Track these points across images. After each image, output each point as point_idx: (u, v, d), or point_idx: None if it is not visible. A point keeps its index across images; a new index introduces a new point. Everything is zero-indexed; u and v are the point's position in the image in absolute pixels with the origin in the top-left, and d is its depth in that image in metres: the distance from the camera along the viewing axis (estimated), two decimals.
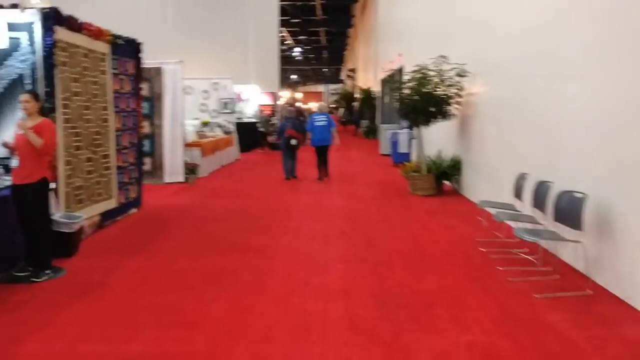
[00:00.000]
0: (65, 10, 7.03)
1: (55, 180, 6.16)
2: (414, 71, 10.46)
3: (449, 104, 10.21)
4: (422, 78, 10.25)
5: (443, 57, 10.23)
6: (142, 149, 9.31)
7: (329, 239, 7.00)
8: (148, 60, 12.05)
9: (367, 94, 29.73)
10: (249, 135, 20.33)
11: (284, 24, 43.00)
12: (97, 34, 7.31)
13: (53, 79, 6.14)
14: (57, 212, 6.17)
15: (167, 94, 12.01)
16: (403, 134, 15.25)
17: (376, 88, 28.92)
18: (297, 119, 15.39)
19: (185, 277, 5.48)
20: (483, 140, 9.26)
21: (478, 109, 9.57)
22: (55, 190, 6.18)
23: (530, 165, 6.78)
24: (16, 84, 6.09)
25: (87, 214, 7.05)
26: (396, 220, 8.20)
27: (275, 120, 23.15)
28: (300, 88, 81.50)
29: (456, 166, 10.59)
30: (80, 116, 6.89)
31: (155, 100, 11.92)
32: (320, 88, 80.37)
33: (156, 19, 24.75)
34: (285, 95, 52.21)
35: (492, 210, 6.41)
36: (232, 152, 17.10)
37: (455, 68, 9.98)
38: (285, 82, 74.01)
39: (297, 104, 37.70)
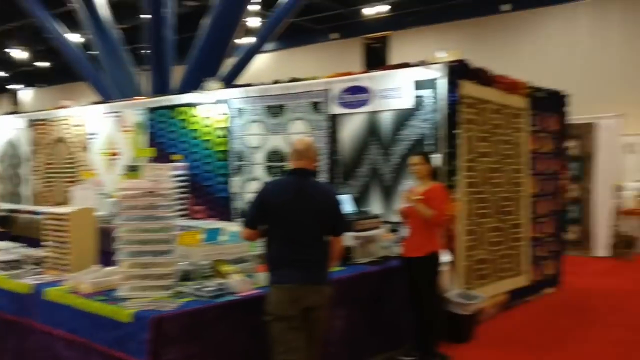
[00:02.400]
0: (495, 69, 6.42)
1: (452, 252, 5.43)
2: None
3: None
4: None
5: None
6: (564, 218, 7.94)
7: None
8: (579, 115, 10.70)
9: None
10: None
11: None
12: (511, 87, 6.46)
13: (455, 139, 5.49)
14: (453, 290, 5.39)
15: (600, 152, 10.29)
16: None
17: None
18: None
19: None
20: None
21: None
22: (453, 263, 5.43)
23: None
24: (418, 144, 5.66)
25: (491, 293, 6.10)
26: None
27: None
28: None
29: None
30: (486, 180, 6.07)
31: (585, 160, 10.35)
32: None
33: (594, 67, 22.76)
34: None
35: None
36: None
37: None
38: None
39: None
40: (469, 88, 5.70)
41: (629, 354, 5.01)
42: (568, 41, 24.02)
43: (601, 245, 10.03)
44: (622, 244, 10.05)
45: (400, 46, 25.28)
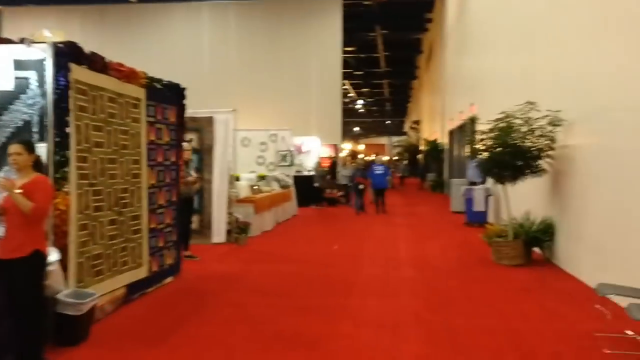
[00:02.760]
0: (118, 58, 6.09)
1: (62, 249, 5.01)
2: (498, 120, 8.98)
3: (539, 158, 8.65)
4: (508, 127, 8.75)
5: (531, 103, 8.73)
6: (192, 207, 8.17)
7: (401, 329, 5.49)
8: (200, 108, 11.18)
9: (434, 146, 28.20)
10: (309, 189, 19.11)
11: (347, 76, 42.68)
12: (128, 75, 6.30)
13: (65, 127, 5.06)
14: (64, 290, 4.98)
15: (217, 145, 10.95)
16: (478, 191, 13.61)
17: (443, 140, 27.45)
18: (364, 169, 18.97)
19: None
20: (584, 202, 7.62)
21: (577, 164, 7.97)
22: (62, 261, 5.01)
23: None
24: (22, 132, 5.05)
25: (108, 288, 5.87)
26: (483, 300, 6.62)
27: (341, 170, 22.01)
28: (362, 140, 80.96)
29: (548, 230, 8.91)
30: (102, 171, 5.80)
31: (204, 153, 10.88)
32: (383, 140, 79.41)
33: (215, 64, 24.37)
34: (347, 147, 51.52)
35: (623, 302, 4.79)
36: (289, 207, 15.88)
37: (547, 116, 8.46)
38: (347, 134, 73.76)
39: (360, 156, 36.73)
40: (81, 73, 5.33)
41: (236, 328, 5.40)
42: (192, 37, 25.23)
43: (219, 233, 10.72)
44: (237, 230, 10.94)
45: (16, 24, 22.78)
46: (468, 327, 5.52)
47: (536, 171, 8.71)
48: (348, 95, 53.70)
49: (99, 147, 5.73)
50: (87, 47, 5.92)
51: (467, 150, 18.60)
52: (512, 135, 8.64)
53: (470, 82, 18.77)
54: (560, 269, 8.33)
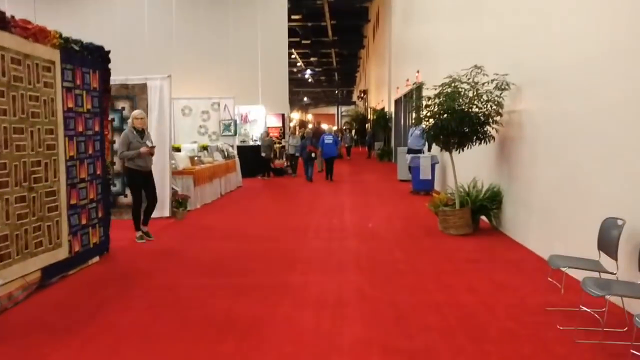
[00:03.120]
0: (54, 26, 5.50)
1: None
2: (443, 85, 8.62)
3: (487, 124, 8.37)
4: (454, 92, 8.42)
5: (478, 67, 8.42)
6: (109, 181, 7.53)
7: (344, 309, 5.11)
8: (131, 74, 10.46)
9: (381, 115, 27.97)
10: (255, 159, 18.54)
11: (295, 45, 41.83)
12: (36, 34, 5.58)
13: None
14: None
15: (152, 114, 10.24)
16: (425, 159, 13.38)
17: (390, 109, 27.25)
18: (314, 138, 18.63)
19: None
20: (532, 169, 7.39)
21: (525, 129, 7.71)
22: None
23: (610, 205, 4.93)
24: None
25: (18, 273, 5.26)
26: (430, 273, 6.31)
27: (286, 142, 21.48)
28: (311, 110, 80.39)
29: (495, 198, 8.70)
30: (7, 142, 5.13)
31: None
32: (332, 110, 79.04)
33: (158, 34, 23.25)
34: (295, 116, 50.98)
35: (577, 274, 4.52)
36: (233, 179, 15.32)
37: (494, 80, 8.16)
38: (297, 104, 73.03)
39: (310, 125, 36.29)
40: None
41: (162, 314, 4.91)
42: (131, 1, 23.93)
43: (162, 206, 10.04)
44: (175, 203, 10.34)
45: None
46: (414, 304, 5.18)
47: (483, 138, 8.45)
48: (297, 65, 52.93)
49: (3, 115, 5.06)
50: (19, 14, 5.32)
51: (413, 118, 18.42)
52: (459, 100, 8.33)
53: (416, 49, 18.47)
54: (508, 238, 8.14)
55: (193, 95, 16.95)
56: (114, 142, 8.44)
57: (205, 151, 14.69)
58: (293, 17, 32.51)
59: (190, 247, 7.79)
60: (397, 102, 24.43)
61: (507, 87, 8.01)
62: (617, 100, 5.15)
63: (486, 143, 8.49)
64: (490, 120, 8.34)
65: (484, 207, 8.68)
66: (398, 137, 24.08)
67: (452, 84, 8.50)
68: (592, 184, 5.60)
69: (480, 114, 8.32)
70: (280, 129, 24.54)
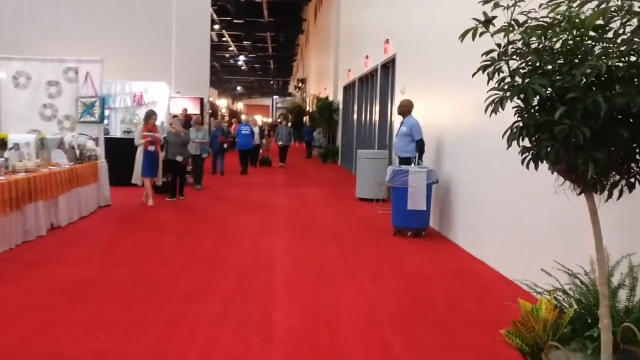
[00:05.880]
0: None
1: None
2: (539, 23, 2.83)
3: None
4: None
5: None
6: None
7: None
8: None
9: (327, 104, 22.07)
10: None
11: (227, 26, 35.98)
12: None
13: None
14: None
15: None
16: (416, 175, 7.69)
17: (336, 98, 21.62)
18: (225, 127, 17.46)
19: None
20: None
21: None
22: None
23: None
24: None
25: None
26: None
27: (192, 134, 15.16)
28: (245, 100, 74.83)
29: None
30: None
31: None
32: (267, 102, 73.38)
33: None
34: (222, 104, 44.90)
35: None
36: (91, 195, 9.13)
37: None
38: (229, 93, 66.87)
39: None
40: None
41: None
42: None
43: None
44: None
45: None
46: None
47: None
48: (229, 49, 46.98)
49: None
50: None
51: (379, 108, 12.82)
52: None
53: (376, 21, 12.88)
54: None
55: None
56: None
57: (41, 147, 8.52)
58: None
59: None
60: (348, 88, 18.77)
61: None
62: None
63: None
64: None
65: None
66: (348, 133, 18.45)
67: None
68: None
69: None
70: (199, 118, 18.41)
